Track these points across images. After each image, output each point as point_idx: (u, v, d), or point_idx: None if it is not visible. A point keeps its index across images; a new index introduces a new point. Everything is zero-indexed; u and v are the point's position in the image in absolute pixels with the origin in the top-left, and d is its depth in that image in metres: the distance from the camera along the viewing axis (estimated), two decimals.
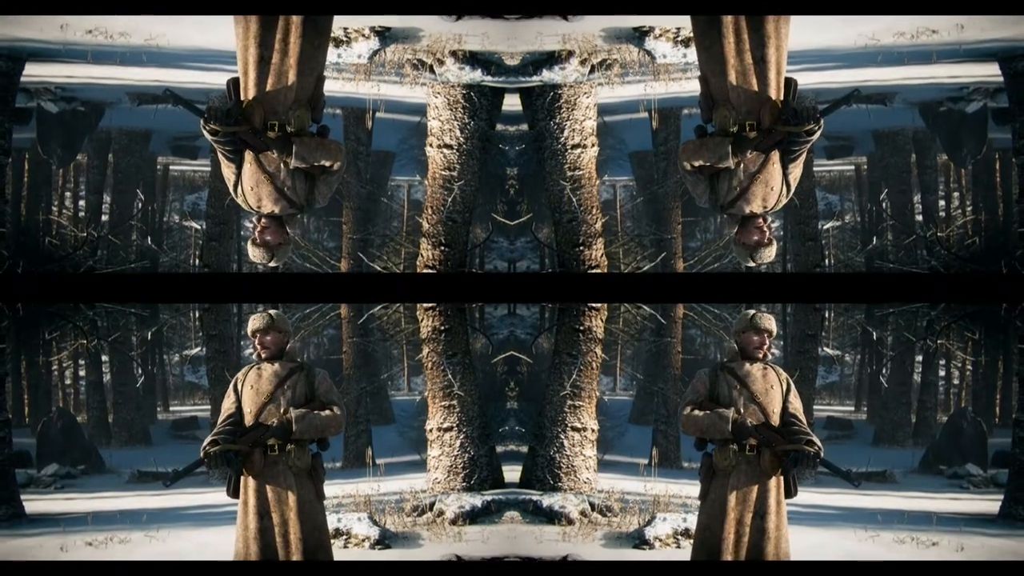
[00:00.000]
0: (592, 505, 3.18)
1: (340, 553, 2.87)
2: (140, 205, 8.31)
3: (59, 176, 8.32)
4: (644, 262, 8.44)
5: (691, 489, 3.26)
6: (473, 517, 3.14)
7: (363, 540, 2.96)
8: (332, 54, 8.21)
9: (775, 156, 7.17)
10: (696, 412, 4.03)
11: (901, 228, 8.22)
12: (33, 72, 8.22)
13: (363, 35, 8.44)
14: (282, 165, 7.20)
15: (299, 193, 7.34)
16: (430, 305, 8.24)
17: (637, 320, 7.64)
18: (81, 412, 4.13)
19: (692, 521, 3.01)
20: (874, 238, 8.29)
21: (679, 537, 3.00)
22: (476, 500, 3.24)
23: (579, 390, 4.56)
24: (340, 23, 8.29)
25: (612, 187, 8.52)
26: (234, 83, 7.39)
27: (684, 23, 8.12)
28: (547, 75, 8.35)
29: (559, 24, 8.21)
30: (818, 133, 6.98)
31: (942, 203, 8.22)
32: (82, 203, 8.32)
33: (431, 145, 8.31)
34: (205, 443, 3.53)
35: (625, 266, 8.49)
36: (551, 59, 8.31)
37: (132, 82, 8.26)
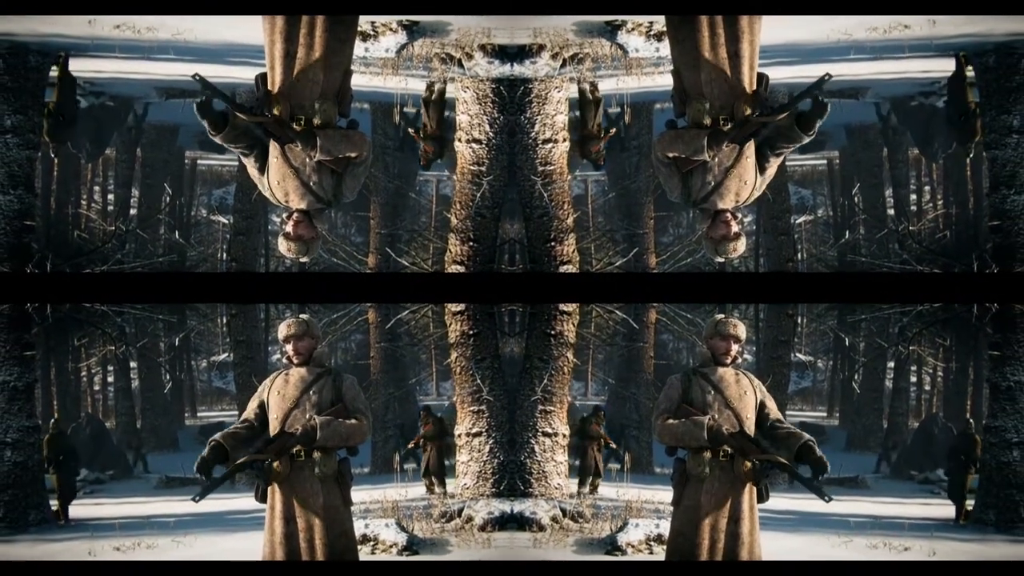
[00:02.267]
0: (563, 511, 3.15)
1: (367, 559, 2.92)
2: (168, 199, 8.40)
3: (88, 170, 8.42)
4: (616, 258, 8.22)
5: (663, 495, 3.24)
6: (502, 523, 3.15)
7: (390, 546, 2.98)
8: (359, 48, 8.17)
9: (749, 150, 7.15)
10: (671, 421, 3.95)
11: (873, 222, 8.05)
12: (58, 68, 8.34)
13: (390, 29, 8.39)
14: (307, 159, 7.25)
15: (325, 188, 7.37)
16: (458, 309, 8.07)
17: (609, 324, 7.49)
18: (110, 418, 4.14)
19: (665, 527, 3.00)
20: (846, 232, 8.10)
21: (652, 543, 2.95)
22: (505, 506, 3.24)
23: (550, 395, 4.47)
24: (366, 17, 8.36)
25: (583, 182, 8.25)
26: (262, 78, 7.46)
27: (657, 17, 7.87)
28: (517, 69, 8.09)
29: (530, 18, 7.91)
30: (809, 137, 7.00)
31: (913, 197, 8.07)
32: (111, 197, 8.42)
33: (459, 140, 8.12)
34: (215, 437, 3.59)
35: (597, 262, 8.21)
36: (521, 53, 8.07)
37: (160, 76, 8.33)
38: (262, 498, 3.02)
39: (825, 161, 8.12)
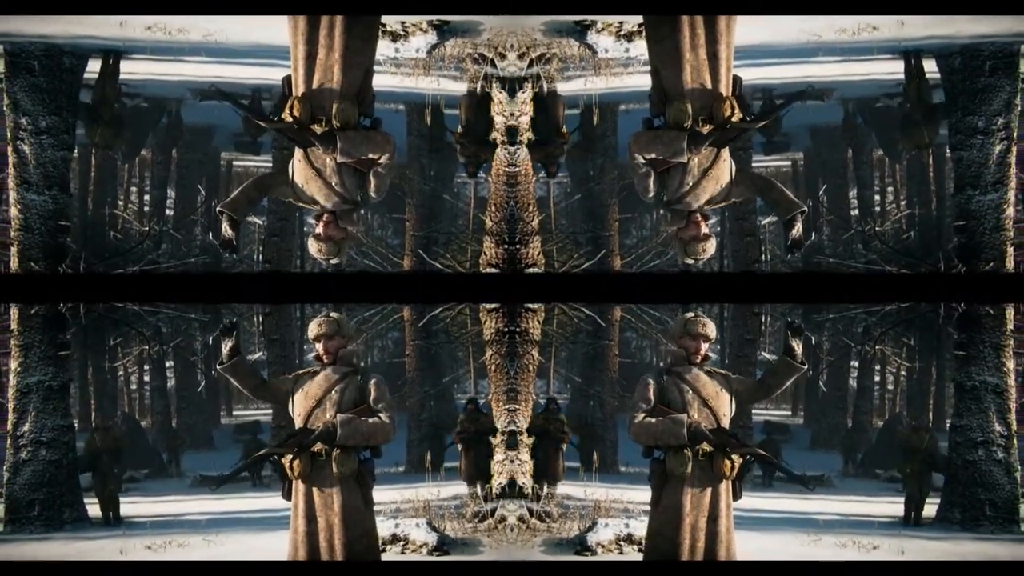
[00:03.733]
0: (530, 510, 3.08)
1: (397, 560, 2.93)
2: (202, 200, 8.48)
3: (124, 172, 8.52)
4: (580, 260, 8.03)
5: (632, 494, 3.17)
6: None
7: (420, 546, 2.88)
8: (390, 48, 8.22)
9: (725, 153, 7.20)
10: (649, 420, 3.91)
11: (839, 223, 7.97)
12: (97, 69, 8.43)
13: (420, 29, 8.01)
14: (328, 161, 7.30)
15: (349, 188, 7.38)
16: (493, 306, 7.86)
17: (573, 322, 7.33)
18: (146, 417, 4.13)
19: (635, 527, 2.93)
20: (812, 234, 8.08)
21: (622, 543, 2.86)
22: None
23: (515, 393, 4.42)
24: (394, 17, 8.31)
25: (546, 184, 8.16)
26: (288, 80, 7.52)
27: (627, 17, 7.76)
28: (485, 68, 7.93)
29: (499, 17, 7.79)
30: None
31: (877, 198, 8.05)
32: (147, 198, 8.52)
33: (494, 141, 8.11)
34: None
35: (560, 264, 8.09)
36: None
37: (193, 78, 8.41)
38: (287, 496, 3.06)
39: (789, 163, 8.11)
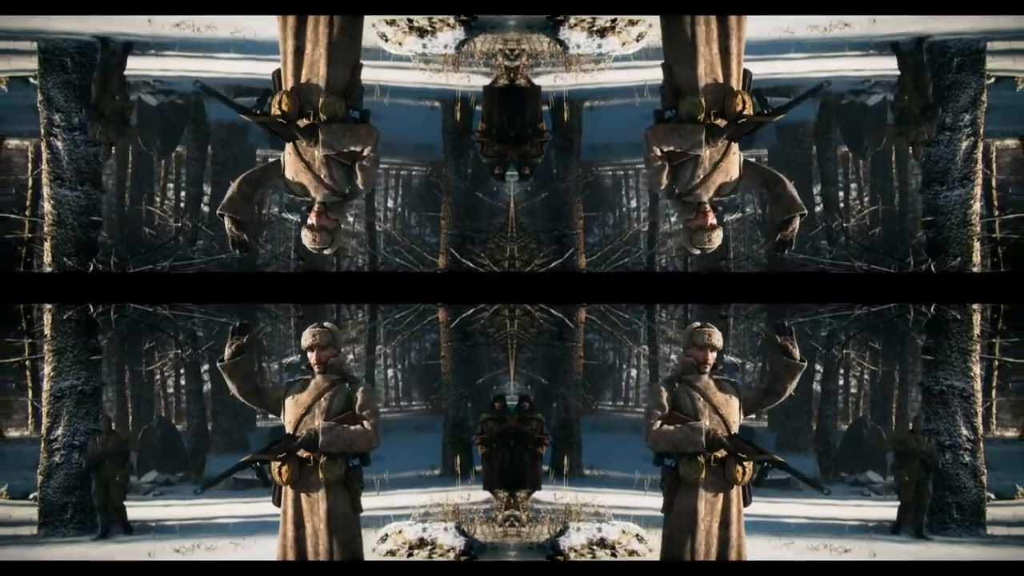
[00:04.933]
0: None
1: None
2: None
3: (160, 168, 8.69)
4: (543, 259, 8.08)
5: (602, 498, 3.20)
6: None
7: (448, 550, 2.90)
8: (417, 44, 8.37)
9: (735, 147, 7.26)
10: (667, 427, 3.98)
11: (804, 220, 7.98)
12: (131, 65, 8.56)
13: (448, 24, 7.98)
14: (316, 153, 7.49)
15: (337, 181, 7.54)
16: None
17: (535, 322, 7.31)
18: (181, 421, 4.21)
19: (607, 531, 2.94)
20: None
21: (595, 547, 2.88)
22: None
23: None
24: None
25: (507, 182, 8.06)
26: (278, 75, 7.70)
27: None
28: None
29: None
30: None
31: (842, 194, 8.09)
32: (183, 194, 8.69)
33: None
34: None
35: (523, 264, 8.19)
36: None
37: (225, 75, 8.52)
38: (276, 501, 3.08)
39: (753, 159, 8.15)
